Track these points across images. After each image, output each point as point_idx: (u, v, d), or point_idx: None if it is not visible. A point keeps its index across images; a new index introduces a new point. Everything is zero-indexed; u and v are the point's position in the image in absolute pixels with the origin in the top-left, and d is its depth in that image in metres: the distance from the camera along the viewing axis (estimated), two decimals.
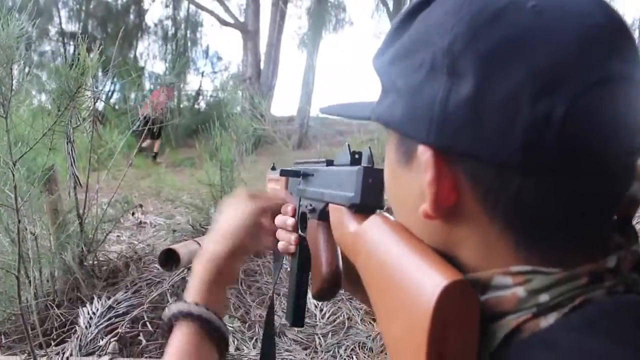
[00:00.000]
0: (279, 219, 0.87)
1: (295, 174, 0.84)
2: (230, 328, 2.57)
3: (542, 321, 0.39)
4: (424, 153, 0.41)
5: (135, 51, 12.87)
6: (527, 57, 0.37)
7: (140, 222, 4.46)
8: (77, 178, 2.27)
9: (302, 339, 2.60)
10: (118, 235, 4.41)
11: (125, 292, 2.85)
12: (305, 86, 12.14)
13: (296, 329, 2.65)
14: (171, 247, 2.44)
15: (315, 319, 2.80)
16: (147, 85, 12.18)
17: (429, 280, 0.40)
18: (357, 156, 0.66)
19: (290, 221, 0.84)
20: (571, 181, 0.38)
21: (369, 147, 0.64)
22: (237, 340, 2.50)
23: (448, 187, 0.41)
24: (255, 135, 4.52)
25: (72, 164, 2.18)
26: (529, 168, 0.38)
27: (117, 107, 10.50)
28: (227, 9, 11.88)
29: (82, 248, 3.00)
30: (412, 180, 0.45)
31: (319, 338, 2.61)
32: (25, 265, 2.67)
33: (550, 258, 0.40)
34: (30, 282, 2.73)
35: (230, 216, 0.82)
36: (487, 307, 0.41)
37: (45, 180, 2.78)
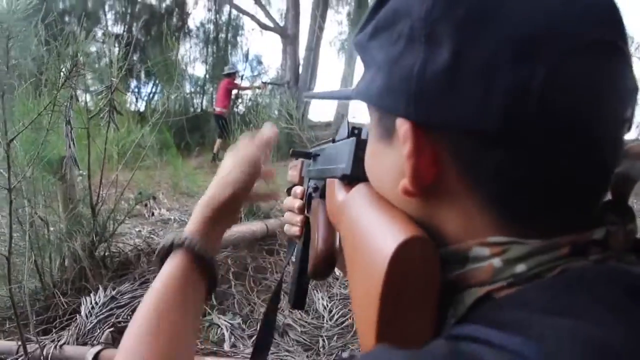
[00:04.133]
0: (287, 202, 0.88)
1: (306, 155, 0.84)
2: (229, 324, 2.49)
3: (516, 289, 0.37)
4: (402, 126, 0.40)
5: (177, 53, 13.06)
6: (505, 23, 0.36)
7: (153, 214, 4.45)
8: (76, 161, 2.23)
9: (305, 340, 2.49)
10: (139, 230, 4.41)
11: (132, 284, 2.81)
12: None
13: (300, 329, 2.55)
14: None
15: (322, 320, 2.69)
16: (188, 87, 12.35)
17: (389, 237, 0.40)
18: (355, 131, 0.64)
19: (298, 203, 0.85)
20: (553, 151, 0.36)
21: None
22: (235, 337, 2.41)
23: (427, 161, 0.40)
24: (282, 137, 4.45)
25: (70, 146, 2.14)
26: (508, 138, 0.36)
27: (157, 107, 10.69)
28: (267, 14, 11.93)
29: (94, 238, 2.98)
30: (392, 157, 0.45)
31: (324, 340, 2.50)
32: (34, 252, 2.67)
33: (531, 231, 0.38)
34: (37, 268, 2.72)
35: (231, 162, 0.80)
36: (464, 280, 0.40)
37: (58, 167, 2.77)
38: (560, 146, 0.36)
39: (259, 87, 10.64)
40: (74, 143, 2.19)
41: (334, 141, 0.75)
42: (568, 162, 0.37)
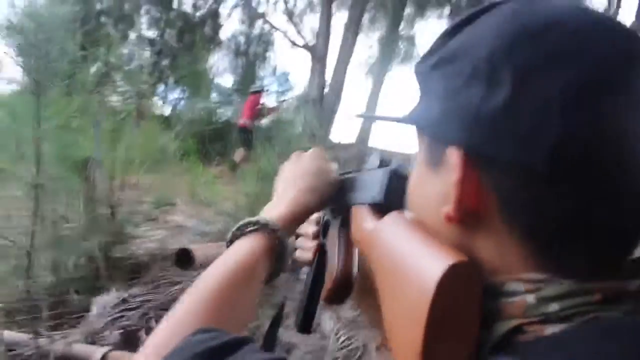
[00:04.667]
0: (301, 227, 0.86)
1: None
2: None
3: (548, 328, 0.39)
4: (453, 154, 0.43)
5: (206, 63, 13.21)
6: (562, 73, 0.39)
7: (167, 221, 4.49)
8: (100, 162, 2.29)
9: None
10: (155, 235, 4.45)
11: (143, 288, 2.85)
12: (367, 114, 12.11)
13: (304, 350, 2.57)
14: (187, 247, 2.43)
15: (328, 341, 2.71)
16: (214, 96, 12.47)
17: (435, 261, 0.42)
18: (385, 164, 0.67)
19: (313, 229, 0.86)
20: (592, 195, 0.39)
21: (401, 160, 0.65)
22: None
23: (472, 190, 0.42)
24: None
25: (97, 148, 2.20)
26: (552, 177, 0.39)
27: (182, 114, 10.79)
28: (299, 31, 12.09)
29: (110, 239, 3.04)
30: (437, 184, 0.46)
31: None
32: (52, 249, 2.72)
33: (565, 270, 0.40)
34: (54, 264, 2.78)
35: (319, 173, 0.81)
36: (497, 312, 0.41)
37: (83, 168, 2.84)
38: (600, 191, 0.39)
39: (277, 109, 10.65)
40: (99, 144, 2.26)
41: (357, 171, 0.76)
42: (605, 208, 0.39)
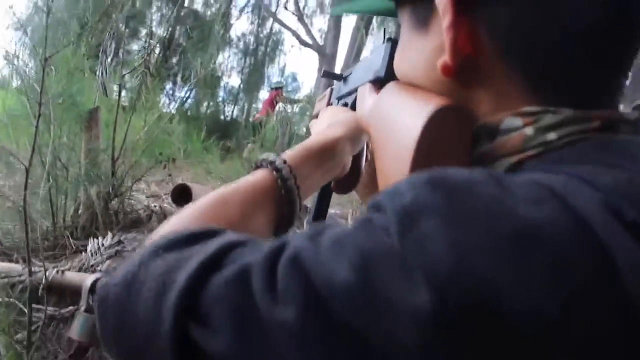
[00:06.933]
0: (312, 123, 0.87)
1: (337, 77, 0.86)
2: None
3: (548, 156, 0.38)
4: (441, 2, 0.42)
5: (215, 61, 13.28)
6: None
7: (171, 175, 4.50)
8: (105, 88, 2.30)
9: None
10: (155, 206, 4.47)
11: (141, 234, 2.85)
12: None
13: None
14: (186, 183, 2.43)
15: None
16: (222, 94, 12.52)
17: (421, 107, 0.43)
18: (391, 37, 0.66)
19: None
20: (581, 16, 0.38)
21: None
22: None
23: (465, 32, 0.41)
24: None
25: (102, 74, 2.21)
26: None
27: (189, 113, 10.85)
28: (308, 31, 12.16)
29: (110, 190, 3.04)
30: (429, 42, 0.46)
31: None
32: (51, 190, 2.73)
33: (564, 102, 0.39)
34: (51, 206, 2.79)
35: (343, 115, 0.74)
36: (492, 153, 0.41)
37: (87, 116, 2.87)
38: (593, 16, 0.38)
39: (298, 102, 10.76)
40: (106, 72, 2.27)
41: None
42: (599, 29, 0.38)
